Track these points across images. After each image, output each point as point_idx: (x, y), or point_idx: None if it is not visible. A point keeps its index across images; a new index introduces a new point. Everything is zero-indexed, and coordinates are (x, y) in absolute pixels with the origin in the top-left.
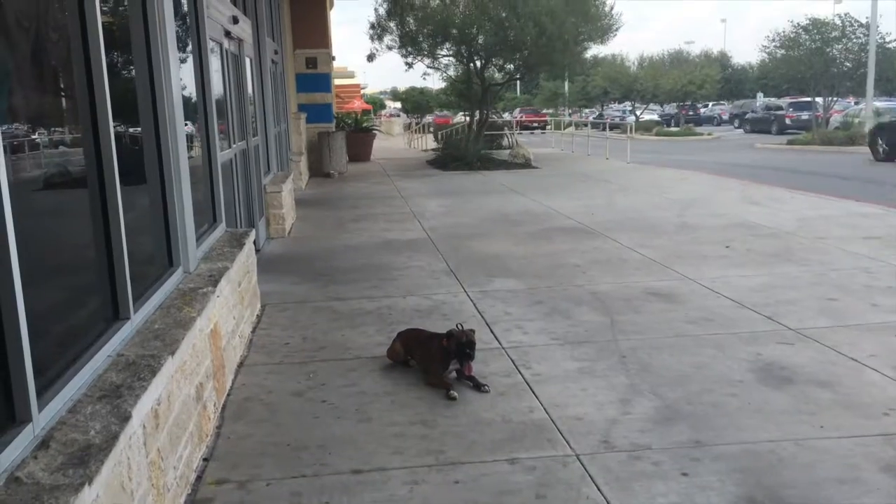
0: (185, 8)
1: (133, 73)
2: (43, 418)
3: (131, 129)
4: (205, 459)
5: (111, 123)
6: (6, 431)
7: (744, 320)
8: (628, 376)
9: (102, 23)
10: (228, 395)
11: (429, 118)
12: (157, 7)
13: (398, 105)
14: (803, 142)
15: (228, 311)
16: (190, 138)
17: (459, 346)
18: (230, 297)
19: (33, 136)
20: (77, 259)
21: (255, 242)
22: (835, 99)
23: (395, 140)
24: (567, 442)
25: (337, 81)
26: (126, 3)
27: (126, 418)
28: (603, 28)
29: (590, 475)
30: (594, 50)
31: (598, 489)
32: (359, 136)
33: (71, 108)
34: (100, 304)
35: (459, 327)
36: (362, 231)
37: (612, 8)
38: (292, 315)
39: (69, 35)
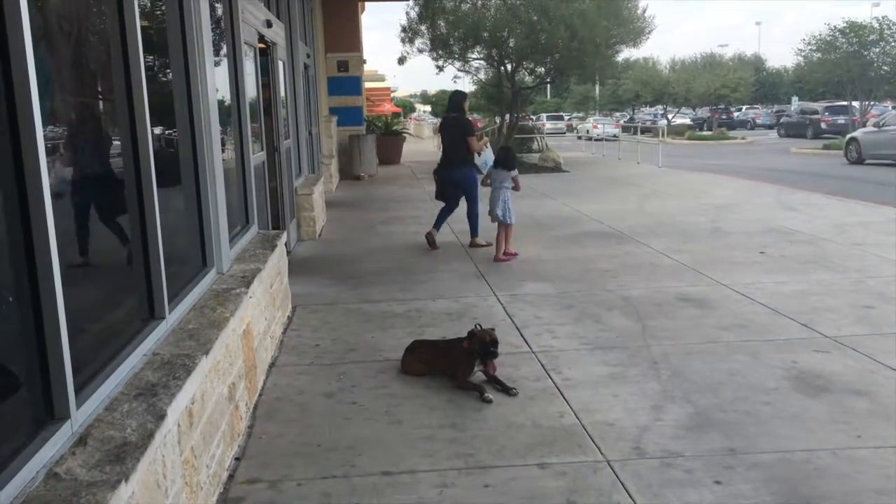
0: (221, 12)
1: (170, 76)
2: (81, 415)
3: (167, 132)
4: (236, 458)
5: (149, 126)
6: (45, 428)
7: (778, 327)
8: (660, 382)
9: (141, 27)
10: (260, 395)
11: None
12: (194, 12)
13: (427, 108)
14: (839, 146)
15: (260, 312)
16: (222, 141)
17: (483, 345)
18: (262, 299)
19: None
20: (114, 258)
21: (286, 244)
22: (872, 103)
23: (424, 143)
24: (598, 448)
25: (367, 84)
26: (164, 8)
27: (162, 417)
28: (635, 31)
29: (621, 482)
30: (626, 53)
31: (630, 496)
32: (389, 139)
33: (110, 110)
34: (136, 303)
35: (478, 327)
36: (392, 233)
37: (644, 10)
38: (323, 316)
39: (108, 39)
